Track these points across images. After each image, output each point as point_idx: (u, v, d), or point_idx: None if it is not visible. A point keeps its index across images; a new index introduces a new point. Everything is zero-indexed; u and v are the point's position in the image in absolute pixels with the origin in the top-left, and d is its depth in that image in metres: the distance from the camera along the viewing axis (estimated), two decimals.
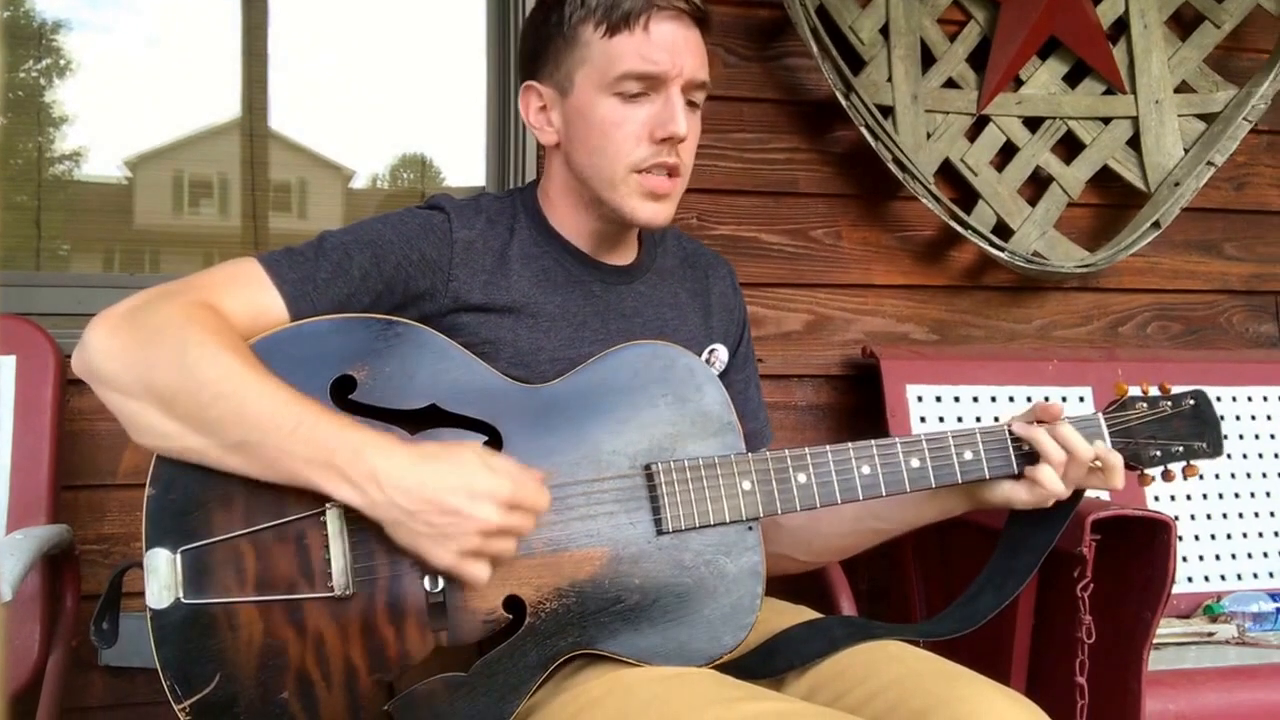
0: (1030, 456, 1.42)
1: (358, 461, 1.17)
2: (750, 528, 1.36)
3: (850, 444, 1.40)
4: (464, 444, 1.23)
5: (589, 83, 1.39)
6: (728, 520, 1.34)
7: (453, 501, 1.17)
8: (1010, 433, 1.43)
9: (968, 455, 1.42)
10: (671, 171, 1.41)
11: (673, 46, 1.38)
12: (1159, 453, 1.49)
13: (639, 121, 1.38)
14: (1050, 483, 1.40)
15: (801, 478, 1.38)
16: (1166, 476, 1.51)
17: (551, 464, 1.30)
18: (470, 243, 1.41)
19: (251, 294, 1.29)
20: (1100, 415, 1.49)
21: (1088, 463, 1.41)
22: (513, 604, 1.26)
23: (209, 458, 1.20)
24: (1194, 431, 1.50)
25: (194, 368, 1.19)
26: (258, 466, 1.19)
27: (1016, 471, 1.43)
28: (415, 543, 1.19)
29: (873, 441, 1.41)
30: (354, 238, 1.36)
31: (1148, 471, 1.50)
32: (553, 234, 1.47)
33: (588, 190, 1.43)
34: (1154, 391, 1.52)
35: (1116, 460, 1.43)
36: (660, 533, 1.32)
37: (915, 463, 1.41)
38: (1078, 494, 1.46)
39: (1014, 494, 1.44)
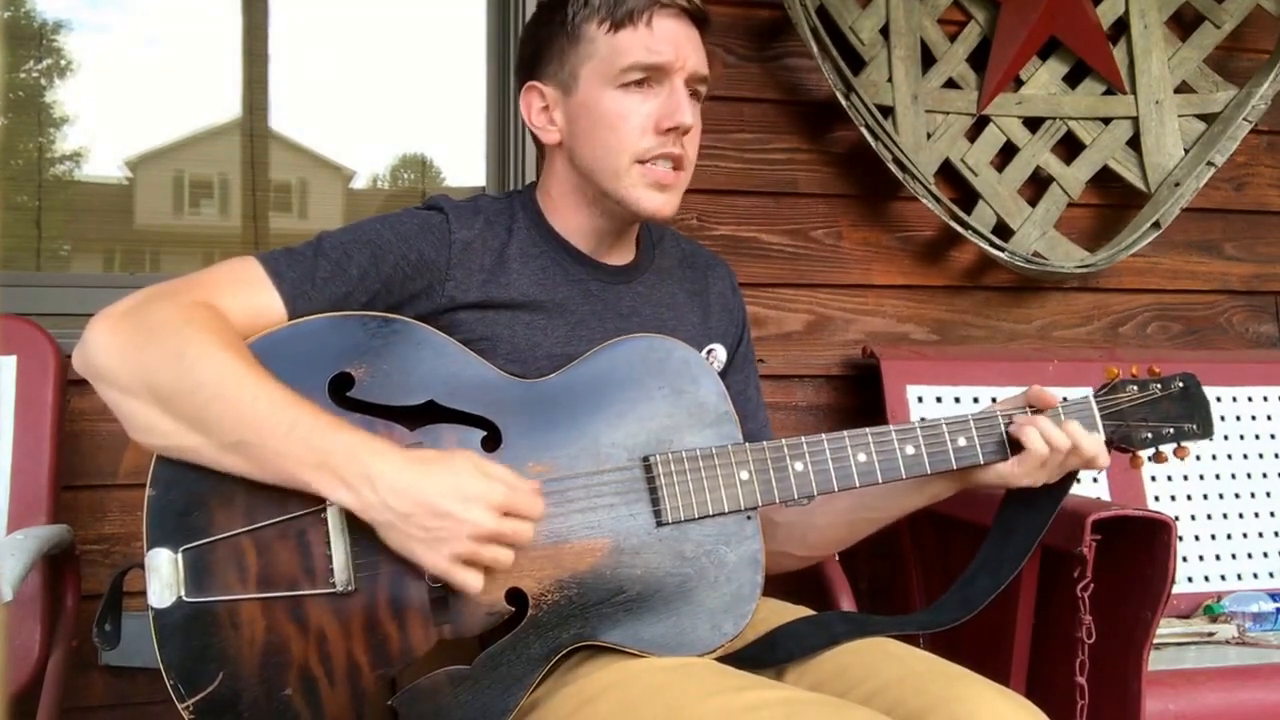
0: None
1: (352, 463, 1.17)
2: (749, 517, 1.36)
3: (846, 432, 1.42)
4: (459, 450, 1.23)
5: (594, 77, 1.41)
6: (726, 510, 1.35)
7: (444, 505, 1.17)
8: (1006, 431, 1.44)
9: (961, 441, 1.44)
10: (676, 163, 1.42)
11: (675, 40, 1.41)
12: (1150, 434, 1.50)
13: (644, 114, 1.40)
14: (1036, 444, 1.41)
15: (798, 466, 1.38)
16: (1158, 458, 1.53)
17: (550, 457, 1.31)
18: (468, 243, 1.41)
19: (250, 293, 1.30)
20: (1092, 398, 1.50)
21: (1088, 454, 1.43)
22: (515, 596, 1.27)
23: (205, 457, 1.20)
24: (1184, 413, 1.52)
25: (192, 367, 1.19)
26: (253, 467, 1.20)
27: (1010, 456, 1.44)
28: (408, 546, 1.19)
29: (868, 429, 1.42)
30: (352, 237, 1.37)
31: (1139, 453, 1.52)
32: (551, 234, 1.48)
33: (591, 186, 1.44)
34: (1144, 375, 1.53)
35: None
36: (660, 524, 1.32)
37: (910, 450, 1.42)
38: (1069, 477, 1.47)
39: (1007, 471, 1.45)
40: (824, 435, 1.41)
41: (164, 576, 1.19)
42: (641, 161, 1.41)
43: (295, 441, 1.18)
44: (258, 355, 1.25)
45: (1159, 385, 1.52)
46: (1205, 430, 1.52)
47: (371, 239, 1.37)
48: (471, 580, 1.20)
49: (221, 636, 1.20)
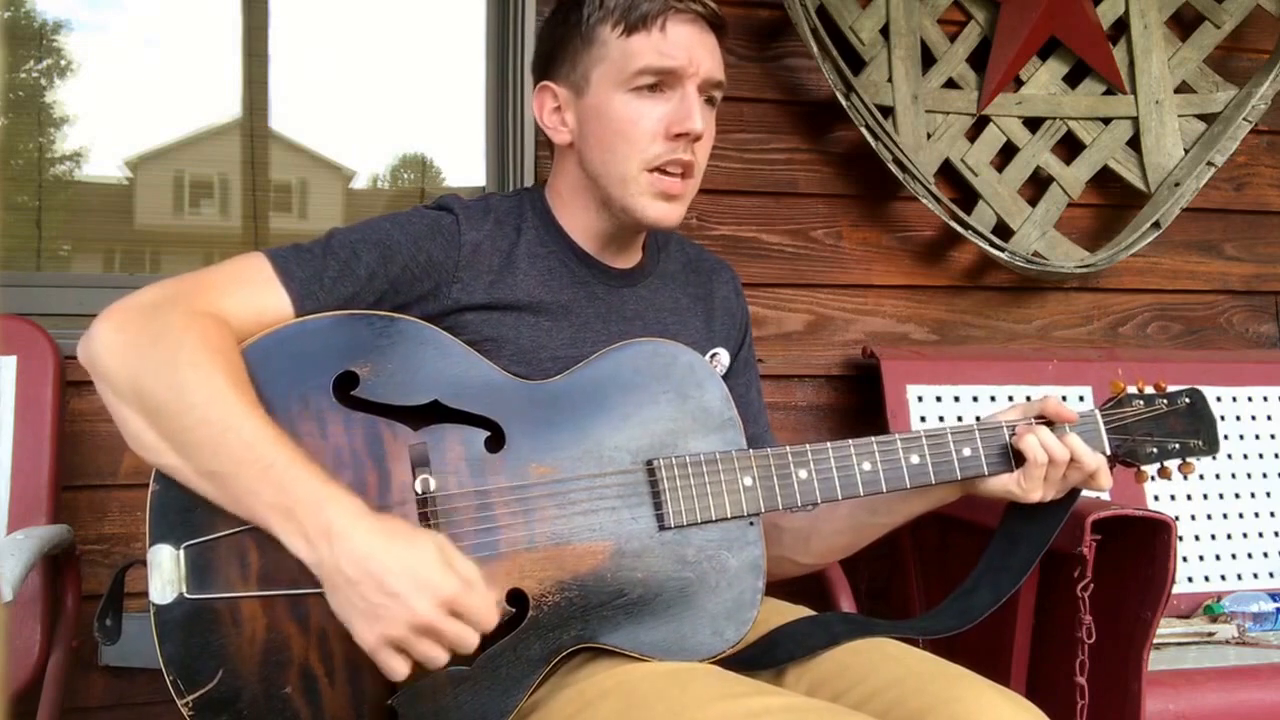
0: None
1: (317, 516, 1.14)
2: (751, 523, 1.36)
3: (850, 440, 1.41)
4: (432, 533, 1.19)
5: (606, 81, 1.41)
6: (729, 515, 1.35)
7: (393, 584, 1.12)
8: (1011, 444, 1.44)
9: (966, 452, 1.43)
10: (685, 170, 1.42)
11: (689, 46, 1.40)
12: (1155, 450, 1.50)
13: (655, 118, 1.40)
14: (1035, 452, 1.40)
15: (802, 473, 1.38)
16: (1163, 474, 1.52)
17: (554, 459, 1.31)
18: (478, 245, 1.41)
19: (258, 291, 1.30)
20: (1098, 413, 1.49)
21: (1089, 468, 1.42)
22: (515, 597, 1.27)
23: (184, 478, 1.20)
24: (1190, 429, 1.51)
25: (183, 387, 1.18)
26: (225, 498, 1.18)
27: (1015, 468, 1.44)
28: (345, 612, 1.14)
29: (873, 438, 1.42)
30: (361, 237, 1.37)
31: (1144, 469, 1.51)
32: (560, 234, 1.48)
33: (599, 189, 1.44)
34: (1150, 390, 1.52)
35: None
36: (662, 528, 1.32)
37: (915, 459, 1.42)
38: (1074, 492, 1.46)
39: (1012, 483, 1.44)
40: (829, 443, 1.40)
41: (166, 572, 1.19)
42: (650, 169, 1.40)
43: (268, 482, 1.16)
44: (263, 353, 1.25)
45: (1165, 400, 1.51)
46: (1211, 446, 1.51)
47: (381, 239, 1.37)
48: (397, 666, 1.14)
49: (222, 634, 1.20)
